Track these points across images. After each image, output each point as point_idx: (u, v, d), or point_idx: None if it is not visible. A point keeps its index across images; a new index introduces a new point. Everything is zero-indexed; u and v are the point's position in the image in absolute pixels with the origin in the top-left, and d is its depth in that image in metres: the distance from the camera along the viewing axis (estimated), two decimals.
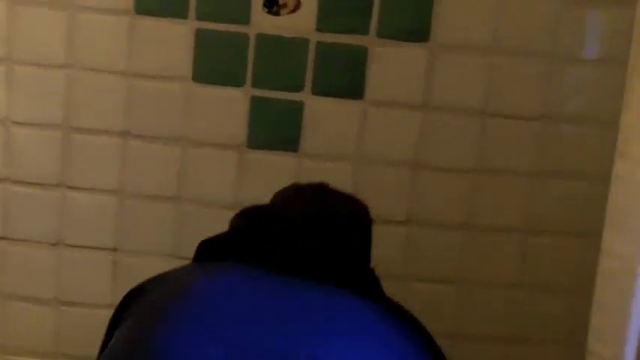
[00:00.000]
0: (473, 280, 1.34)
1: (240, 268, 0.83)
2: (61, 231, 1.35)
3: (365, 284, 0.89)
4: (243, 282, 0.79)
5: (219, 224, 1.31)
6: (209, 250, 0.91)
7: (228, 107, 1.31)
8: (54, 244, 1.35)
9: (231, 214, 1.31)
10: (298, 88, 1.30)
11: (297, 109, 1.30)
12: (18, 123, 1.32)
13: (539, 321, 1.35)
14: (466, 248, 1.34)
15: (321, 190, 1.03)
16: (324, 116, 1.31)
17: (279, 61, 1.29)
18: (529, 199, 1.33)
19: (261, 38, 1.29)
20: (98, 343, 0.93)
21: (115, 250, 1.35)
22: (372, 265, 0.98)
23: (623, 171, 0.80)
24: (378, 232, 1.32)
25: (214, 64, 1.30)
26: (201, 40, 1.29)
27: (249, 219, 0.93)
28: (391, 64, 1.29)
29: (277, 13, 1.28)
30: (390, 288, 1.32)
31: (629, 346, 0.79)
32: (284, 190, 1.05)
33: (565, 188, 1.32)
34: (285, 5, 1.28)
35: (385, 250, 1.32)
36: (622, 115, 0.81)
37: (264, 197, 1.30)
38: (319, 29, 1.29)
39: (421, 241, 1.34)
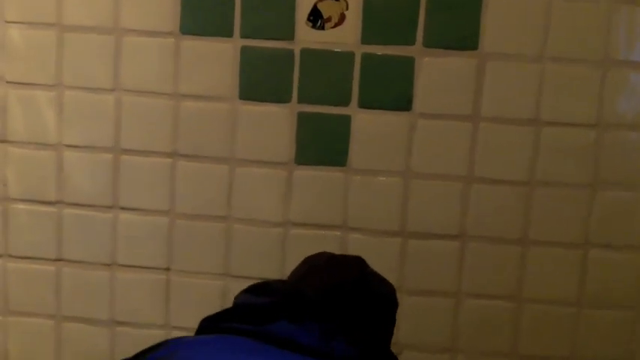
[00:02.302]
0: (530, 297, 1.30)
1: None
2: (114, 252, 1.36)
3: None
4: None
5: (268, 242, 1.32)
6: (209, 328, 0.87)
7: (275, 124, 1.30)
8: (108, 265, 1.36)
9: (281, 232, 1.32)
10: (345, 102, 1.28)
11: (345, 123, 1.29)
12: (69, 146, 1.34)
13: (602, 339, 1.30)
14: (522, 263, 1.30)
15: (354, 262, 0.98)
16: (372, 130, 1.29)
17: (325, 75, 1.28)
18: (585, 211, 1.28)
19: (306, 53, 1.28)
20: None
21: (167, 269, 1.35)
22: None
23: None
24: (430, 247, 1.30)
25: (260, 81, 1.29)
26: (247, 57, 1.29)
27: (253, 293, 0.90)
28: (439, 74, 1.27)
29: (322, 27, 1.27)
30: (443, 304, 1.31)
31: None
32: (310, 258, 1.01)
33: (622, 198, 1.27)
34: (329, 19, 1.27)
35: (437, 266, 1.30)
36: None
37: (314, 213, 1.30)
38: (365, 42, 1.27)
39: (475, 256, 1.30)
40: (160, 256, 1.35)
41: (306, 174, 1.31)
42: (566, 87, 1.26)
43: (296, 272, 0.98)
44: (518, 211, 1.29)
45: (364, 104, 1.28)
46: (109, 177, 1.34)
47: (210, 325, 0.85)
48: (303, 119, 1.30)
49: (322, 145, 1.30)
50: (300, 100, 1.29)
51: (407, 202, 1.29)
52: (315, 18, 1.27)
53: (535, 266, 1.30)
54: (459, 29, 1.25)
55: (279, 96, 1.29)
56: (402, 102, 1.28)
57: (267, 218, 1.32)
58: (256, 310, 0.84)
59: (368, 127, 1.29)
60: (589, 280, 1.29)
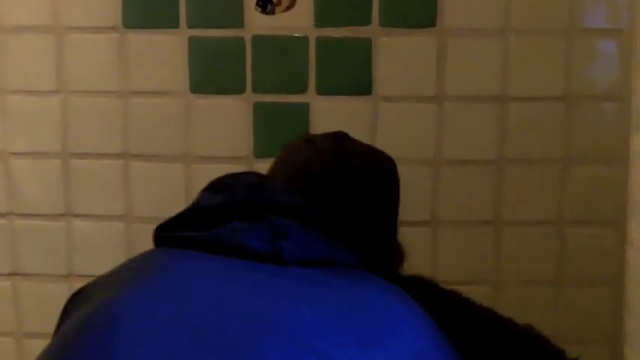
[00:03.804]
0: (507, 279, 1.26)
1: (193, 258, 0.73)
2: (71, 262, 1.30)
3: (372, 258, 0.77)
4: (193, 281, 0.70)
5: None
6: (166, 236, 0.79)
7: (231, 117, 1.24)
8: (65, 276, 1.30)
9: None
10: (302, 89, 1.23)
11: (303, 111, 1.23)
12: (15, 154, 1.28)
13: (582, 317, 1.26)
14: (497, 245, 1.25)
15: (334, 141, 0.86)
16: (333, 117, 1.23)
17: (279, 62, 1.23)
18: (559, 188, 1.24)
19: (258, 40, 1.22)
20: None
21: None
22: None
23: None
24: (401, 235, 1.25)
25: (211, 73, 1.24)
26: (195, 48, 1.23)
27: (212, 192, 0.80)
28: (399, 54, 1.21)
29: (272, 12, 1.21)
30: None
31: None
32: (289, 144, 0.91)
33: (596, 173, 1.23)
34: (279, 3, 1.21)
35: (410, 254, 1.25)
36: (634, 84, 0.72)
37: None
38: (318, 25, 1.21)
39: (448, 241, 1.25)
40: (119, 263, 1.29)
41: (267, 168, 1.25)
42: (532, 59, 1.21)
43: (272, 164, 0.90)
44: (489, 192, 1.24)
45: (322, 90, 1.23)
46: (59, 184, 1.28)
47: (163, 234, 0.78)
48: (259, 110, 1.24)
49: (281, 135, 1.24)
50: (256, 90, 1.24)
51: None
52: (265, 3, 1.21)
53: (511, 247, 1.25)
54: (415, 5, 1.20)
55: (233, 87, 1.24)
56: (361, 86, 1.22)
57: None
58: (209, 212, 0.76)
59: (328, 114, 1.23)
60: (566, 258, 1.25)
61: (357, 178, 0.82)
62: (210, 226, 0.75)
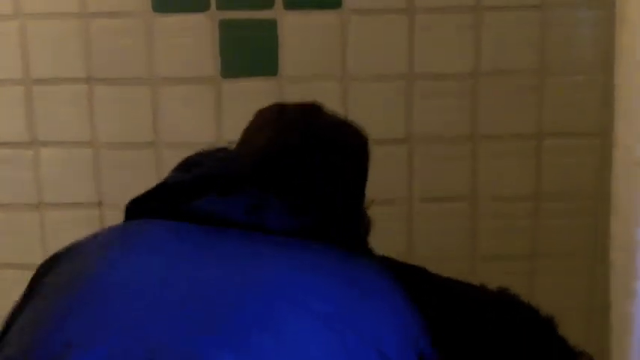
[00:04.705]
0: (486, 195, 1.25)
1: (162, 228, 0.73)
2: (40, 191, 1.27)
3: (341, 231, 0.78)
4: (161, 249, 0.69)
5: None
6: (136, 211, 0.78)
7: (195, 36, 1.20)
8: (35, 205, 1.28)
9: None
10: (269, 4, 1.19)
11: (271, 28, 1.19)
12: None
13: (562, 233, 1.25)
14: (474, 161, 1.24)
15: (304, 113, 0.86)
16: (302, 32, 1.19)
17: None
18: (536, 100, 1.22)
19: None
20: None
21: (99, 204, 1.27)
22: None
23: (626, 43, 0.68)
24: (377, 153, 1.23)
25: None
26: None
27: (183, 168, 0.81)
28: None
29: None
30: (396, 212, 1.25)
31: None
32: (260, 113, 0.89)
33: (573, 83, 1.21)
34: None
35: (386, 173, 1.23)
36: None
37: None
38: None
39: (424, 159, 1.23)
40: (90, 190, 1.27)
41: (235, 86, 1.22)
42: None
43: (244, 132, 0.88)
44: (465, 107, 1.21)
45: (290, 4, 1.19)
46: (22, 111, 1.24)
47: (135, 207, 0.77)
48: (225, 27, 1.20)
49: (249, 53, 1.20)
50: (220, 7, 1.19)
51: (347, 108, 1.21)
52: None
53: (487, 162, 1.23)
54: None
55: (196, 4, 1.19)
56: None
57: (199, 140, 1.22)
58: (184, 186, 0.76)
59: (296, 29, 1.19)
60: (545, 172, 1.24)
61: (326, 151, 0.82)
62: (186, 199, 0.74)
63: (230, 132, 1.21)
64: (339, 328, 0.64)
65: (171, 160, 1.26)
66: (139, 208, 0.77)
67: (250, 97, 1.19)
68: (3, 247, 1.30)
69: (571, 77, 1.21)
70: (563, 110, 1.22)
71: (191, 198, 0.74)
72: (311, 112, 0.87)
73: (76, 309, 0.63)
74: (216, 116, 1.23)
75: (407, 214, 1.25)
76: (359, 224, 0.81)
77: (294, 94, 1.20)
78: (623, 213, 0.71)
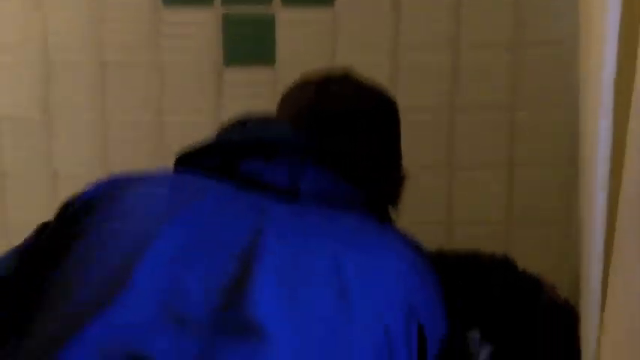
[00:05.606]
0: (462, 164, 1.32)
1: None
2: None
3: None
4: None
5: None
6: (183, 160, 0.83)
7: (201, 28, 1.30)
8: None
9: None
10: (268, 0, 1.28)
11: (269, 22, 1.29)
12: None
13: (535, 199, 1.32)
14: (450, 130, 1.31)
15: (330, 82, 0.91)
16: (297, 26, 1.29)
17: None
18: (510, 70, 1.29)
19: None
20: None
21: None
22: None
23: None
24: None
25: None
26: None
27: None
28: None
29: None
30: None
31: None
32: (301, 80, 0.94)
33: (545, 53, 1.28)
34: None
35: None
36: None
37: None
38: None
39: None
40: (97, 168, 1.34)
41: (237, 74, 1.32)
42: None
43: (282, 100, 0.93)
44: (443, 79, 1.29)
45: (287, 1, 1.28)
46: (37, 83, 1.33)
47: (185, 159, 0.82)
48: (228, 21, 1.29)
49: (249, 45, 1.30)
50: (223, 2, 1.29)
51: None
52: None
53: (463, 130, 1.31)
54: None
55: None
56: None
57: (201, 119, 1.31)
58: (230, 147, 0.81)
59: (293, 24, 1.29)
60: (518, 141, 1.31)
61: (350, 117, 0.87)
62: (230, 159, 0.79)
63: (230, 113, 1.32)
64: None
65: (176, 139, 1.35)
66: (188, 162, 0.81)
67: (250, 84, 1.31)
68: None
69: (544, 48, 1.27)
70: (537, 80, 1.29)
71: (235, 158, 0.79)
72: (347, 80, 0.92)
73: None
74: (218, 100, 1.33)
75: None
76: (393, 192, 0.88)
77: (290, 81, 1.30)
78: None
